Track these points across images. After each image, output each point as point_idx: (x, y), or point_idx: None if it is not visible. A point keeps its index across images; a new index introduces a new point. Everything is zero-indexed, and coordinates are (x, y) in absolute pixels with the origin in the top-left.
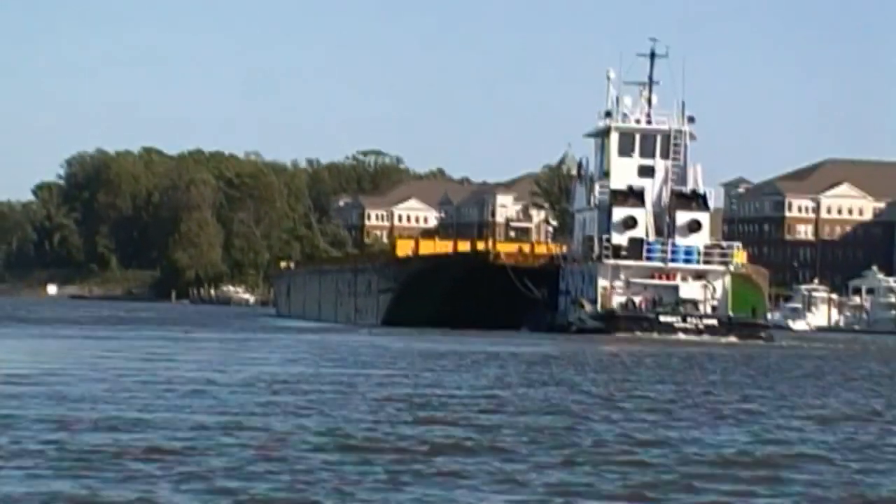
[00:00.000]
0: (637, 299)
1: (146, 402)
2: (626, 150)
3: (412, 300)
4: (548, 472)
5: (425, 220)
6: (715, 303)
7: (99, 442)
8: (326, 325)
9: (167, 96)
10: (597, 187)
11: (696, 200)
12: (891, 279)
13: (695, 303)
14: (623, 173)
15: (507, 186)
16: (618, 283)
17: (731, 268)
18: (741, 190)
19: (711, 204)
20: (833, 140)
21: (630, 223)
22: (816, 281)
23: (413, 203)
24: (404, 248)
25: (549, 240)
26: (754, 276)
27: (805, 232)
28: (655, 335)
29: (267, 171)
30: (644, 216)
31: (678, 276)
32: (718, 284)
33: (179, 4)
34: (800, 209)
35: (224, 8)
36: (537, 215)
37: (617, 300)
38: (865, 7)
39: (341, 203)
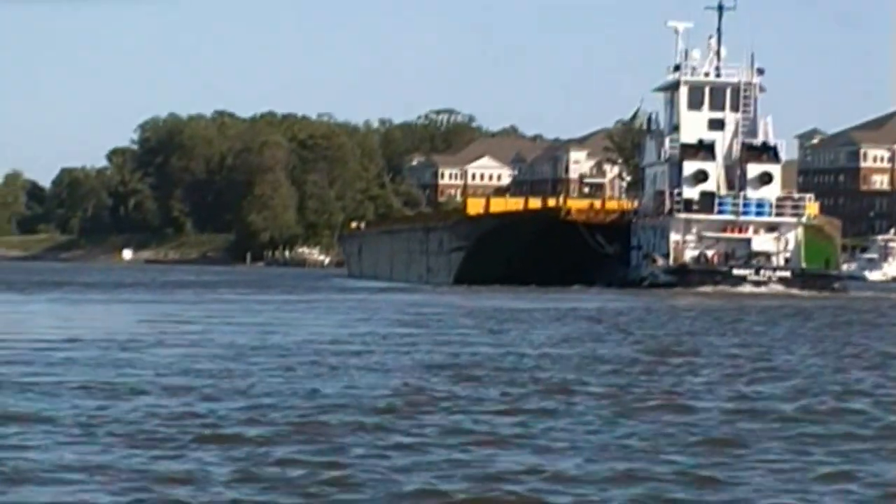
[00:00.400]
0: (709, 253)
1: (184, 367)
2: (695, 104)
3: (484, 258)
4: (582, 434)
5: (499, 177)
6: (787, 255)
7: (127, 409)
8: (398, 284)
9: (238, 60)
10: (667, 142)
11: (767, 153)
12: None
13: (767, 255)
14: (693, 127)
15: (580, 142)
16: (689, 238)
17: (804, 219)
18: (815, 141)
19: (782, 156)
20: None
21: (701, 177)
22: (893, 231)
23: (486, 161)
24: (475, 207)
25: (623, 195)
26: (826, 228)
27: (881, 182)
28: (728, 288)
29: (339, 132)
30: (715, 170)
31: (750, 229)
32: (791, 236)
33: None
34: (875, 159)
35: None
36: (611, 171)
37: (689, 254)
38: None
39: (414, 162)
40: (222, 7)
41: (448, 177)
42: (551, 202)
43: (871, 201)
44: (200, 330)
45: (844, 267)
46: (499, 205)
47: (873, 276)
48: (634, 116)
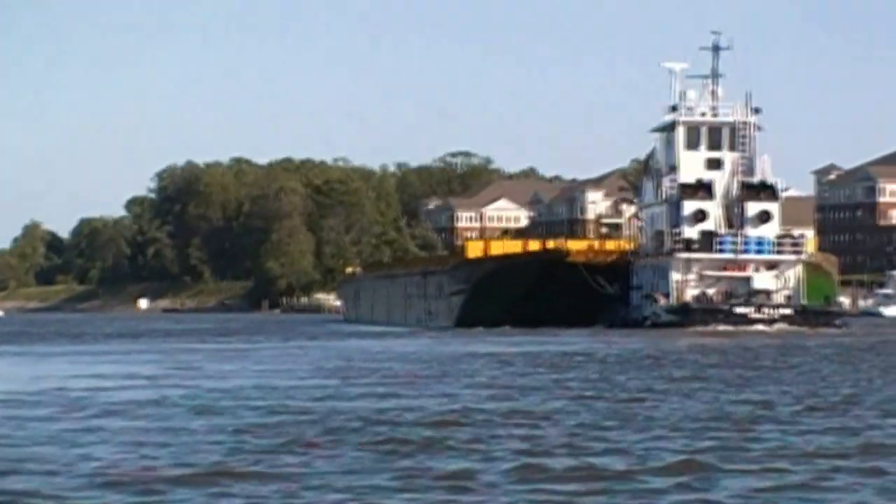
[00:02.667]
0: (710, 292)
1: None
2: (693, 144)
3: (485, 301)
4: None
5: (516, 219)
6: (788, 292)
7: None
8: (393, 329)
9: (255, 106)
10: (665, 181)
11: (766, 191)
12: None
13: (768, 293)
14: (691, 166)
15: (597, 183)
16: (690, 277)
17: (803, 257)
18: (832, 176)
19: (781, 194)
20: None
21: (700, 216)
22: None
23: (503, 203)
24: (475, 250)
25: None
26: (824, 265)
27: None
28: (731, 327)
29: (355, 177)
30: (714, 209)
31: (750, 268)
32: (791, 274)
33: (264, 15)
34: (893, 193)
35: (309, 17)
36: (627, 210)
37: (690, 293)
38: None
39: (431, 206)
40: (237, 54)
41: (465, 220)
42: (551, 244)
43: (889, 236)
44: (68, 386)
45: (861, 303)
46: (498, 247)
47: (889, 311)
48: (650, 156)
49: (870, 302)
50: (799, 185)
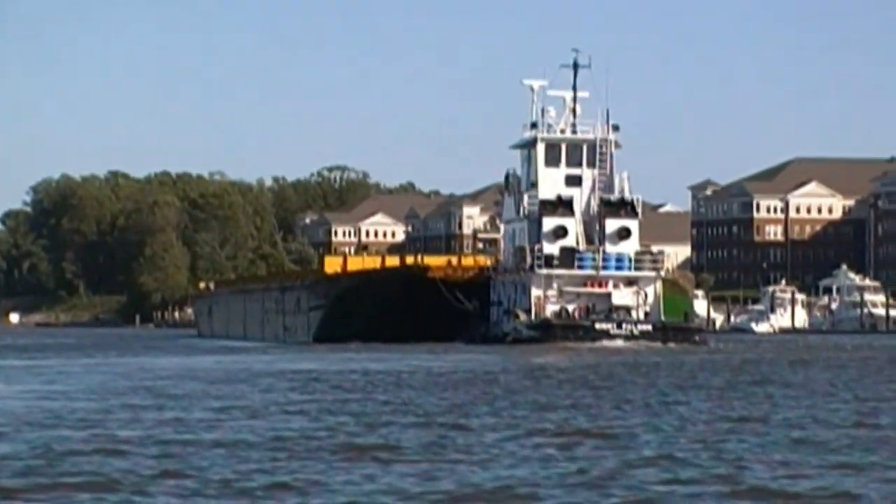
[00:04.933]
0: (570, 308)
1: None
2: (552, 161)
3: (343, 316)
4: None
5: (393, 234)
6: (647, 308)
7: None
8: (248, 344)
9: (134, 119)
10: (525, 198)
11: (625, 208)
12: (858, 278)
13: (627, 309)
14: (551, 183)
15: (473, 198)
16: (551, 293)
17: (662, 273)
18: (708, 192)
19: (640, 210)
20: (799, 139)
21: (560, 232)
22: (784, 282)
23: (380, 218)
24: (333, 266)
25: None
26: (681, 281)
27: (774, 232)
28: (591, 343)
29: (231, 191)
30: (574, 225)
31: (610, 284)
32: (650, 290)
33: (140, 26)
34: (768, 209)
35: (186, 28)
36: None
37: (551, 309)
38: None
39: (307, 220)
40: (115, 67)
41: (341, 234)
42: (409, 260)
43: (765, 252)
44: None
45: (734, 319)
46: (356, 263)
47: (760, 328)
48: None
49: (742, 318)
50: (676, 201)
